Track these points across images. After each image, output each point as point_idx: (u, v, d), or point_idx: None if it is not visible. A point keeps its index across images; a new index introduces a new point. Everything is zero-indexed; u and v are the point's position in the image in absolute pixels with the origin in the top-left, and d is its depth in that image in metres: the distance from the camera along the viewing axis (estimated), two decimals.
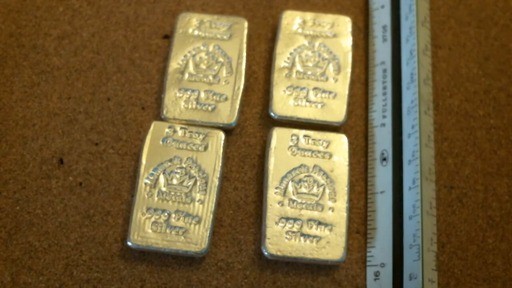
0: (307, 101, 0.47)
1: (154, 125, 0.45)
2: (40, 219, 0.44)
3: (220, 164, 0.45)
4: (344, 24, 0.50)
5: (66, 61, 0.49)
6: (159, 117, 0.47)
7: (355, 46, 0.50)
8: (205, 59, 0.48)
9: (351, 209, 0.45)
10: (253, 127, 0.47)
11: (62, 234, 0.44)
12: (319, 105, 0.47)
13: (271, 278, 0.43)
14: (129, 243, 0.42)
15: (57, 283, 0.43)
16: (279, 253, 0.43)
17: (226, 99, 0.47)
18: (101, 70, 0.48)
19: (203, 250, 0.42)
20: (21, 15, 0.50)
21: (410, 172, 0.44)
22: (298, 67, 0.48)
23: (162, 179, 0.44)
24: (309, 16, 0.50)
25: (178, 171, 0.44)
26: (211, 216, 0.43)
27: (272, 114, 0.47)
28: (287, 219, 0.43)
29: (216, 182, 0.44)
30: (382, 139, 0.47)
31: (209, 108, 0.46)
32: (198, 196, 0.44)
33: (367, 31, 0.51)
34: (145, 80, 0.48)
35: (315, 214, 0.43)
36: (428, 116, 0.46)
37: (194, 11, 0.51)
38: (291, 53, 0.48)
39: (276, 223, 0.43)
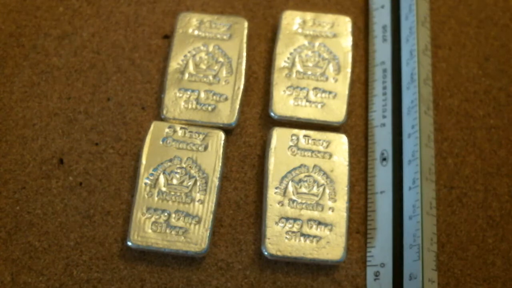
0: (307, 101, 0.47)
1: (154, 125, 0.45)
2: (40, 219, 0.44)
3: (220, 164, 0.45)
4: (344, 24, 0.50)
5: (66, 61, 0.49)
6: (159, 117, 0.47)
7: (355, 46, 0.50)
8: (205, 59, 0.48)
9: (351, 209, 0.45)
10: (253, 127, 0.47)
11: (62, 234, 0.44)
12: (319, 105, 0.47)
13: (271, 278, 0.43)
14: (129, 243, 0.42)
15: (57, 283, 0.43)
16: (279, 253, 0.43)
17: (226, 99, 0.47)
18: (101, 70, 0.48)
19: (203, 250, 0.42)
20: (21, 15, 0.50)
21: (410, 172, 0.44)
22: (298, 67, 0.48)
23: (162, 179, 0.44)
24: (309, 16, 0.50)
25: (178, 171, 0.44)
26: (211, 216, 0.43)
27: (272, 114, 0.47)
28: (287, 219, 0.43)
29: (216, 182, 0.44)
30: (382, 139, 0.47)
31: (209, 108, 0.46)
32: (198, 196, 0.44)
33: (367, 31, 0.51)
34: (145, 80, 0.48)
35: (315, 214, 0.44)
36: (428, 116, 0.46)
37: (194, 11, 0.51)
38: (291, 53, 0.48)
39: (276, 223, 0.43)
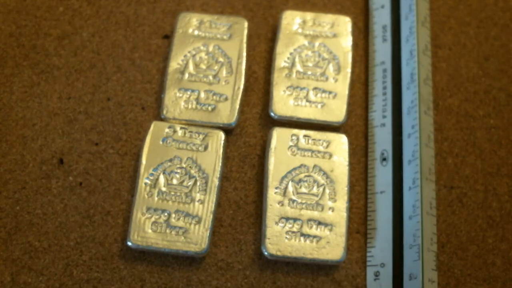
0: (307, 101, 0.47)
1: (154, 125, 0.45)
2: (40, 219, 0.44)
3: (220, 164, 0.45)
4: (344, 24, 0.50)
5: (66, 61, 0.49)
6: (159, 117, 0.47)
7: (355, 46, 0.50)
8: (205, 59, 0.48)
9: (351, 209, 0.45)
10: (253, 127, 0.47)
11: (62, 234, 0.44)
12: (319, 105, 0.47)
13: (271, 278, 0.43)
14: (129, 243, 0.42)
15: (57, 283, 0.43)
16: (279, 253, 0.43)
17: (226, 99, 0.47)
18: (101, 70, 0.48)
19: (203, 250, 0.42)
20: (21, 15, 0.50)
21: (410, 172, 0.44)
22: (298, 67, 0.48)
23: (162, 179, 0.44)
24: (309, 16, 0.50)
25: (178, 171, 0.44)
26: (211, 216, 0.43)
27: (272, 114, 0.47)
28: (287, 219, 0.43)
29: (216, 182, 0.44)
30: (382, 139, 0.47)
31: (209, 108, 0.46)
32: (198, 196, 0.44)
33: (367, 31, 0.51)
34: (145, 80, 0.48)
35: (315, 214, 0.44)
36: (428, 116, 0.46)
37: (194, 11, 0.51)
38: (291, 53, 0.48)
39: (276, 223, 0.43)
